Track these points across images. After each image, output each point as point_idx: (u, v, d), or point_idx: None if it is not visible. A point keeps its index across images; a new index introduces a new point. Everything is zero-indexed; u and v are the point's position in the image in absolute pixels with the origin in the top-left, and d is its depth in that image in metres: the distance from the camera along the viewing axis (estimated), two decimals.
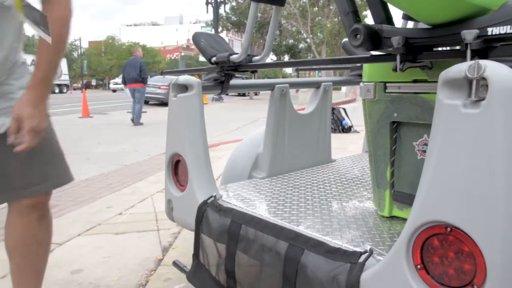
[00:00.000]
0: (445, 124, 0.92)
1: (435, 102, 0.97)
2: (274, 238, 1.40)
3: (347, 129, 8.51)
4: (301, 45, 40.82)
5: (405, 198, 1.46)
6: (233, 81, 2.09)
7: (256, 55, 1.95)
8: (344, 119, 8.62)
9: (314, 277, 1.22)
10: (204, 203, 1.74)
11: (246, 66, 1.91)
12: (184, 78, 1.84)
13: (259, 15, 30.89)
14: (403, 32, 1.20)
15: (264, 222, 1.48)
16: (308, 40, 33.43)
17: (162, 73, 2.59)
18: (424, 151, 1.41)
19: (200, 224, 1.73)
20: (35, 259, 1.76)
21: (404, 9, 1.20)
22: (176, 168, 1.98)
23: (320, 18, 30.93)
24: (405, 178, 1.48)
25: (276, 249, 1.37)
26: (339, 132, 8.42)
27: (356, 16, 1.31)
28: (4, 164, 1.54)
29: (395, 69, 1.20)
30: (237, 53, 1.90)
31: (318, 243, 1.28)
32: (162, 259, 2.59)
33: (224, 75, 1.98)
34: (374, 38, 1.25)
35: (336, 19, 31.60)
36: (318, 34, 32.79)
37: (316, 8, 30.48)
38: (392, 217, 1.55)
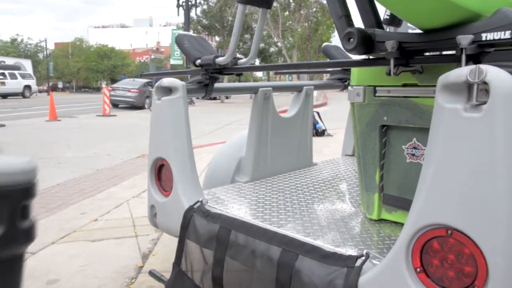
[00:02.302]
0: (446, 127, 0.92)
1: (434, 105, 0.98)
2: (266, 243, 1.38)
3: (321, 133, 8.60)
4: (272, 49, 41.09)
5: (395, 201, 1.47)
6: (217, 84, 2.06)
7: (241, 58, 1.94)
8: (318, 122, 8.70)
9: (309, 282, 1.21)
10: (191, 208, 1.70)
11: (231, 69, 1.89)
12: (168, 81, 1.80)
13: (230, 19, 30.89)
14: (396, 37, 1.21)
15: (255, 228, 1.45)
16: (279, 44, 33.66)
17: (141, 76, 2.53)
18: (413, 155, 1.43)
19: (186, 230, 1.69)
20: None
21: (399, 14, 1.21)
22: (159, 173, 1.93)
23: (291, 22, 31.23)
24: (394, 182, 1.49)
25: (268, 255, 1.35)
26: (313, 135, 8.49)
27: (349, 20, 1.31)
28: None
29: (389, 73, 1.21)
30: (222, 56, 1.87)
31: (313, 248, 1.27)
32: (142, 266, 2.53)
33: (209, 77, 1.95)
34: (367, 42, 1.26)
35: (306, 24, 31.99)
36: (289, 38, 33.10)
37: (287, 13, 30.75)
38: (380, 220, 1.57)
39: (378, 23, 1.39)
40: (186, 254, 1.70)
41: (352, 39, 1.24)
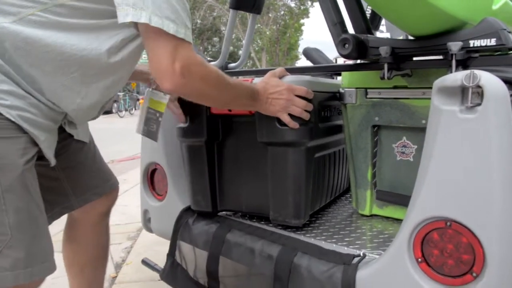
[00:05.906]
0: (443, 127, 1.00)
1: (430, 107, 1.06)
2: (266, 241, 1.41)
3: None
4: (241, 52, 41.23)
5: (388, 196, 1.55)
6: None
7: (232, 62, 1.98)
8: None
9: (308, 277, 1.25)
10: (188, 208, 1.72)
11: None
12: None
13: (199, 21, 30.81)
14: (389, 42, 1.29)
15: (253, 227, 1.49)
16: None
17: None
18: (403, 153, 1.51)
19: (180, 228, 1.70)
20: (102, 270, 1.71)
21: (392, 21, 1.30)
22: (152, 177, 1.94)
23: (259, 25, 31.48)
24: (385, 178, 1.57)
25: (268, 252, 1.38)
26: None
27: (343, 26, 1.38)
28: (83, 163, 1.52)
29: (382, 77, 1.29)
30: (212, 60, 1.91)
31: (311, 245, 1.31)
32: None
33: None
34: (360, 48, 1.33)
35: (274, 27, 32.32)
36: (258, 41, 33.35)
37: None
38: (371, 216, 1.64)
39: (368, 29, 1.47)
40: (180, 251, 1.70)
41: (347, 45, 1.31)
